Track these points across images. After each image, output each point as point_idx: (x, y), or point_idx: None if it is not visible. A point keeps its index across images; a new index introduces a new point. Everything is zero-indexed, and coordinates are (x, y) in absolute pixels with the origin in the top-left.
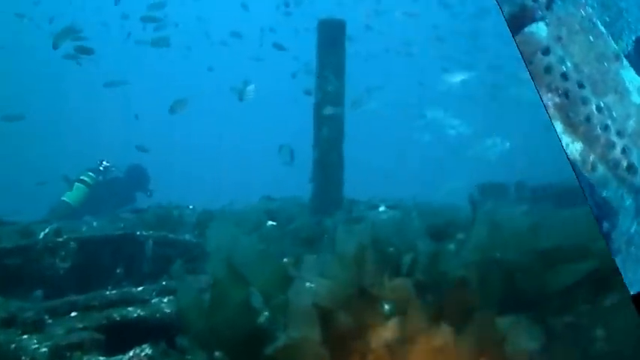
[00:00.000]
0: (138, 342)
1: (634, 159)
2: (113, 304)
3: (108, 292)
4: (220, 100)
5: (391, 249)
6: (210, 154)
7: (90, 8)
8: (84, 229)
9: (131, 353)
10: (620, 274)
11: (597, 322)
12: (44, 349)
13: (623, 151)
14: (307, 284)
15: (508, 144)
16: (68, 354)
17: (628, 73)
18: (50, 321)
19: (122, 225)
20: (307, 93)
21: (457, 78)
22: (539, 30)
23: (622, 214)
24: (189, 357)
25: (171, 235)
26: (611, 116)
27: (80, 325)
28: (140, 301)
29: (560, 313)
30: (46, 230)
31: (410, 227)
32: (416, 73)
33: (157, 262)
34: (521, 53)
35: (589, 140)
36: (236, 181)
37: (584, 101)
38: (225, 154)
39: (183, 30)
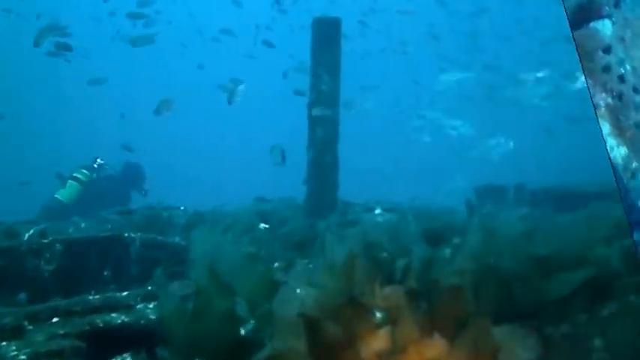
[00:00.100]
0: (121, 349)
1: None
2: (96, 309)
3: (91, 297)
4: (219, 99)
5: (384, 254)
6: (207, 154)
7: (83, 4)
8: (70, 230)
9: None
10: (619, 281)
11: (595, 332)
12: (23, 357)
13: None
14: (294, 292)
15: (512, 143)
16: None
17: None
18: (31, 327)
19: (110, 226)
20: (298, 93)
21: (454, 77)
22: (604, 27)
23: None
24: None
25: (160, 238)
26: None
27: (61, 332)
28: (125, 307)
29: (557, 322)
30: (31, 231)
31: (405, 231)
32: (412, 73)
33: (145, 265)
34: (578, 47)
35: (635, 147)
36: (233, 181)
37: (637, 107)
38: (222, 153)
39: (176, 27)
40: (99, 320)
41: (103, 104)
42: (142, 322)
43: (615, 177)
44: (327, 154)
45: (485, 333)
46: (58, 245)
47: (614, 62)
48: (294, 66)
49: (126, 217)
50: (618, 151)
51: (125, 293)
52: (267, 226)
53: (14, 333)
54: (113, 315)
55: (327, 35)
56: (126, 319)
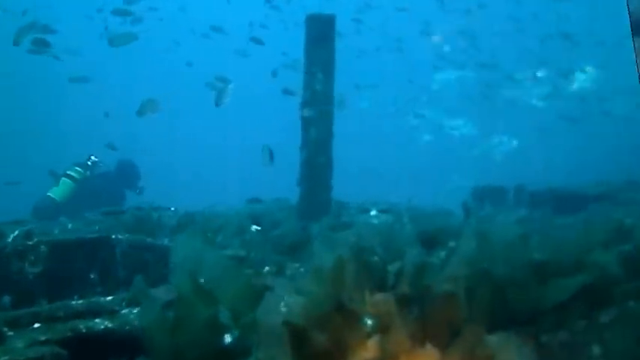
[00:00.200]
0: (104, 356)
1: None
2: (80, 314)
3: (74, 302)
4: (212, 98)
5: (376, 258)
6: (202, 154)
7: (75, 1)
8: (56, 231)
9: None
10: (618, 287)
11: (593, 339)
12: None
13: None
14: (280, 300)
15: (515, 142)
16: None
17: None
18: (11, 333)
19: (97, 227)
20: (287, 92)
21: (449, 76)
22: None
23: None
24: None
25: (149, 239)
26: None
27: (43, 338)
28: (109, 312)
29: (554, 329)
30: (16, 232)
31: (400, 233)
32: (408, 71)
33: (133, 268)
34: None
35: None
36: (227, 181)
37: None
38: (217, 153)
39: (167, 24)
40: (82, 326)
41: (97, 102)
42: (127, 327)
43: None
44: (320, 154)
45: (480, 341)
46: (42, 247)
47: None
48: (285, 64)
49: (114, 217)
50: None
51: (110, 298)
52: (258, 228)
53: None
54: (97, 320)
55: (321, 33)
56: (110, 325)
